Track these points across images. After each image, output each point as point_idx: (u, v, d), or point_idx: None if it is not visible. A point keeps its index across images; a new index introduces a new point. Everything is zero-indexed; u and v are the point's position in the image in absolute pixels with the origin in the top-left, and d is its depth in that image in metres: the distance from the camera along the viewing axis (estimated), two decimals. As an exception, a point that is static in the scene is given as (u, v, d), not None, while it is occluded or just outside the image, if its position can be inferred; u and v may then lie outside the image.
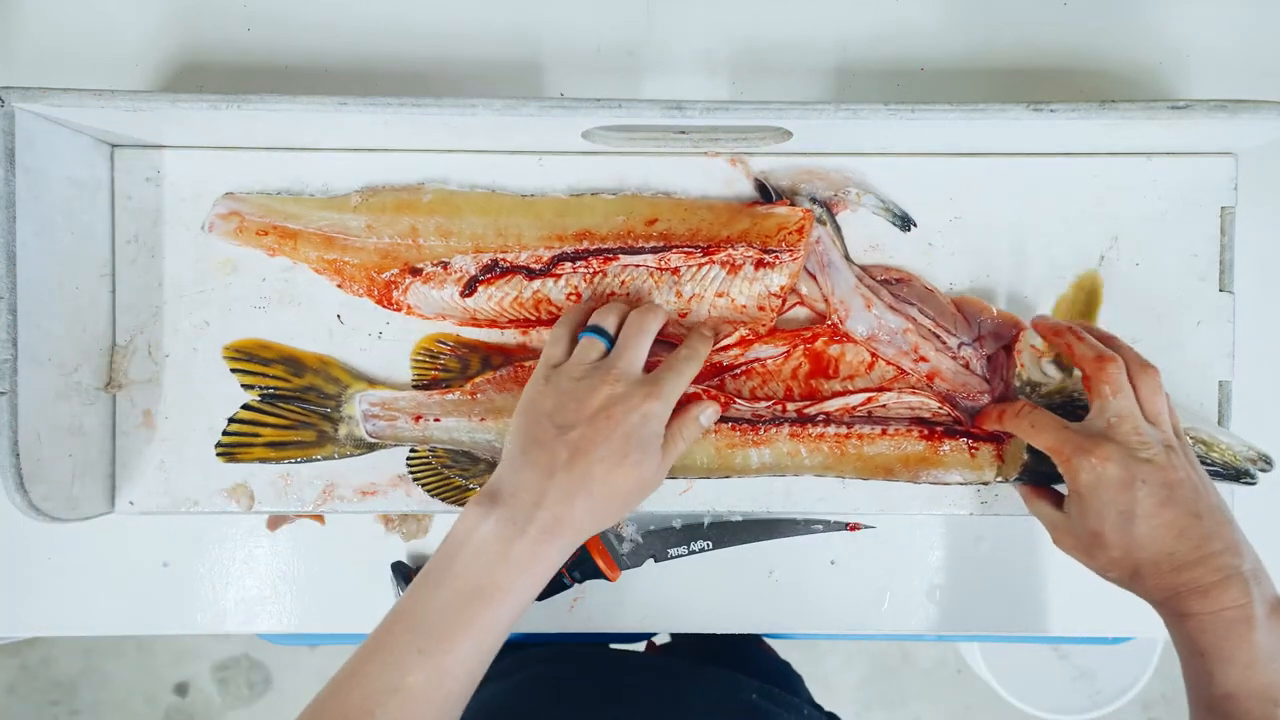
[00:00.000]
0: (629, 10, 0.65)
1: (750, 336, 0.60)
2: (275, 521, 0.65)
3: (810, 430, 0.61)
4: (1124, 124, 0.54)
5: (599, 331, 0.55)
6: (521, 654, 0.75)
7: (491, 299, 0.61)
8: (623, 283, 0.60)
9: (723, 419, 0.60)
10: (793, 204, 0.60)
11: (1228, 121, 0.53)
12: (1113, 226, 0.62)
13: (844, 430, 0.61)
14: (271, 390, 0.61)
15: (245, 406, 0.61)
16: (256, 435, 0.61)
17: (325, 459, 0.61)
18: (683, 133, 0.58)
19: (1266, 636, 0.47)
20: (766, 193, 0.61)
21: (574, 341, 0.55)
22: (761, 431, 0.60)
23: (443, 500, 0.61)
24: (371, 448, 0.61)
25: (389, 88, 0.65)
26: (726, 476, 0.61)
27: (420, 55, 0.65)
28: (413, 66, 0.65)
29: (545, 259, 0.60)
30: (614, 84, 0.65)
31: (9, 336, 0.52)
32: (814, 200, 0.61)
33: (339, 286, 0.61)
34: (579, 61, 0.65)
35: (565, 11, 0.65)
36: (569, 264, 0.60)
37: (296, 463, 0.61)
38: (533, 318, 0.61)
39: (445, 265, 0.60)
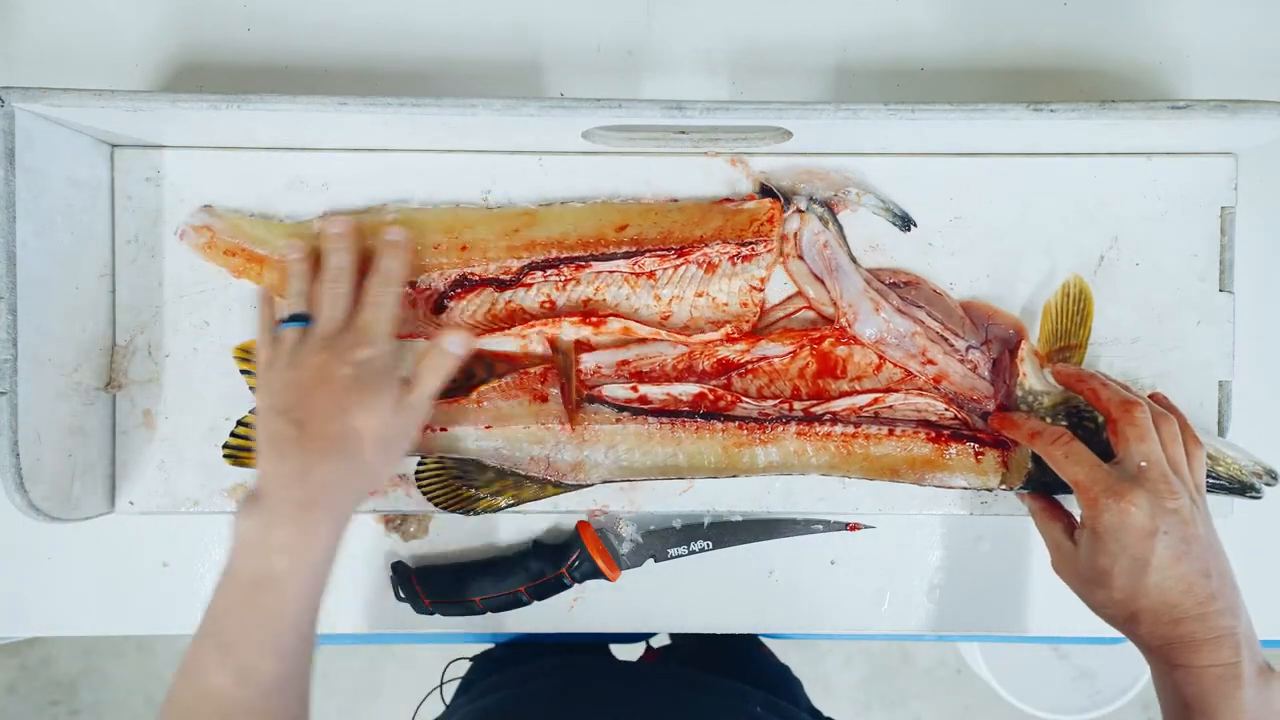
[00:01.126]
0: (629, 10, 0.65)
1: (734, 334, 0.60)
2: (275, 521, 0.65)
3: (817, 429, 0.61)
4: (1124, 124, 0.54)
5: (293, 319, 0.55)
6: (525, 667, 0.75)
7: (464, 314, 0.60)
8: (596, 289, 0.60)
9: (729, 417, 0.60)
10: (788, 202, 0.61)
11: (1228, 121, 0.53)
12: (1113, 226, 0.62)
13: (851, 430, 0.61)
14: None
15: (253, 412, 0.61)
16: None
17: None
18: (683, 133, 0.58)
19: (1254, 696, 0.47)
20: (771, 195, 0.61)
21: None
22: (768, 430, 0.60)
23: (450, 512, 0.61)
24: None
25: (389, 88, 0.65)
26: (734, 475, 0.61)
27: (420, 55, 0.65)
28: (413, 66, 0.65)
29: (514, 270, 0.60)
30: (614, 84, 0.65)
31: (9, 336, 0.52)
32: (814, 200, 0.61)
33: None
34: (579, 61, 0.65)
35: (565, 11, 0.65)
36: (540, 273, 0.60)
37: None
38: (507, 328, 0.61)
39: (413, 284, 0.60)
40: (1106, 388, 0.55)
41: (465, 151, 0.62)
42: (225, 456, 0.61)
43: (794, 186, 0.61)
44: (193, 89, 0.64)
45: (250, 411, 0.61)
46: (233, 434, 0.61)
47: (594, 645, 0.92)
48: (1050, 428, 0.55)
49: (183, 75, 0.65)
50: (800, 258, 0.61)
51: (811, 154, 0.62)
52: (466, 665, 0.84)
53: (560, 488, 0.61)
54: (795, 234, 0.61)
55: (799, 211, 0.61)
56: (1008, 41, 0.66)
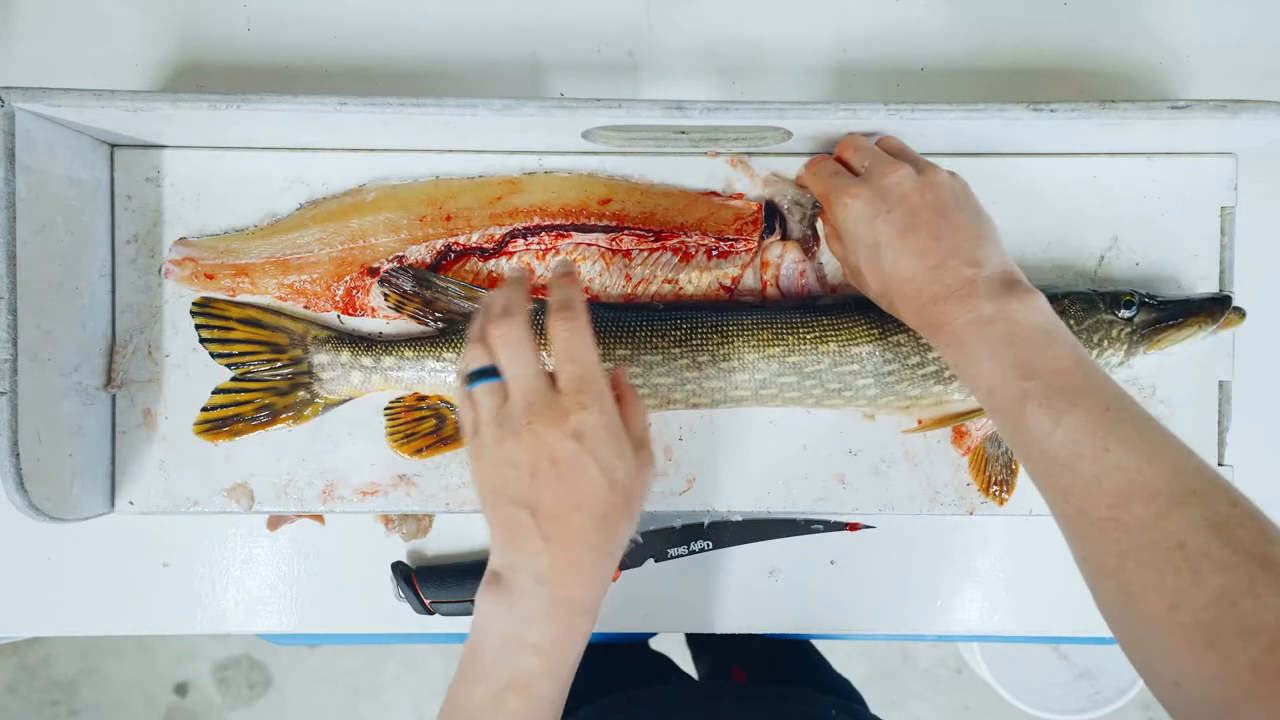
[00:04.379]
0: (629, 10, 0.65)
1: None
2: (275, 521, 0.65)
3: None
4: (1124, 124, 0.54)
5: (481, 374, 0.48)
6: (596, 705, 0.74)
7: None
8: (574, 261, 0.61)
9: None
10: (784, 227, 0.61)
11: (1228, 121, 0.53)
12: (1113, 226, 0.62)
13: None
14: (235, 346, 0.60)
15: (235, 380, 0.60)
16: (241, 407, 0.60)
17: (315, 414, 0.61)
18: (683, 133, 0.58)
19: (999, 329, 0.48)
20: (772, 216, 0.61)
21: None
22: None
23: (399, 449, 0.61)
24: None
25: (389, 88, 0.65)
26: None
27: (420, 55, 0.65)
28: (413, 66, 0.65)
29: (498, 238, 0.61)
30: (614, 84, 0.65)
31: (9, 336, 0.52)
32: (800, 204, 0.61)
33: (306, 307, 0.61)
34: (579, 61, 0.65)
35: (565, 11, 0.65)
36: (521, 241, 0.61)
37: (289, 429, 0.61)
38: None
39: (400, 259, 0.61)
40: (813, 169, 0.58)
41: (465, 151, 0.62)
42: (197, 430, 0.60)
43: (790, 209, 0.61)
44: (193, 89, 0.64)
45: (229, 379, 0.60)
46: (205, 409, 0.60)
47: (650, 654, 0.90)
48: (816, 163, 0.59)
49: (183, 75, 0.65)
50: (778, 287, 0.61)
51: (811, 154, 0.62)
52: None
53: None
54: (776, 263, 0.61)
55: (782, 240, 0.61)
56: (1008, 41, 0.66)
